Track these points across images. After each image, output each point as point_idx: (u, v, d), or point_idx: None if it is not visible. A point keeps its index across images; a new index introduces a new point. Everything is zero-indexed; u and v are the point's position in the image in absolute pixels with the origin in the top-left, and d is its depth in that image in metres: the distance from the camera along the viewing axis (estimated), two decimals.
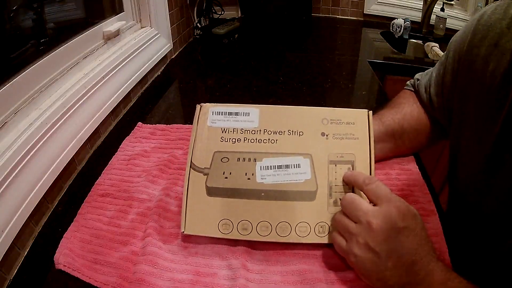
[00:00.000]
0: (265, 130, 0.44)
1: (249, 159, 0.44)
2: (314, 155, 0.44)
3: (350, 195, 0.40)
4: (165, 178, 0.57)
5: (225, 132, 0.45)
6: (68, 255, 0.44)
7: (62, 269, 0.43)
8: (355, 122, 0.44)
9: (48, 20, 0.67)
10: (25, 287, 0.44)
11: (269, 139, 0.44)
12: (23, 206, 0.46)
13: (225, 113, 0.45)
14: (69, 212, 0.51)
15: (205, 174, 0.44)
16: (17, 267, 0.45)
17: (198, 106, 0.47)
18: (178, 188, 0.55)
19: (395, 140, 0.57)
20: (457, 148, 0.50)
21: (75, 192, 0.57)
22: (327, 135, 0.44)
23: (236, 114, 0.45)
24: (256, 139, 0.44)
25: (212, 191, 0.44)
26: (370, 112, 0.45)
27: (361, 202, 0.39)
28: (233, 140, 0.44)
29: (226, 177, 0.43)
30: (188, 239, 0.46)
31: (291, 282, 0.41)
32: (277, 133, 0.44)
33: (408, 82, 0.63)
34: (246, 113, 0.45)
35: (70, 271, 0.43)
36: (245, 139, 0.44)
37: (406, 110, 0.58)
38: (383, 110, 0.59)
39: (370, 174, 0.44)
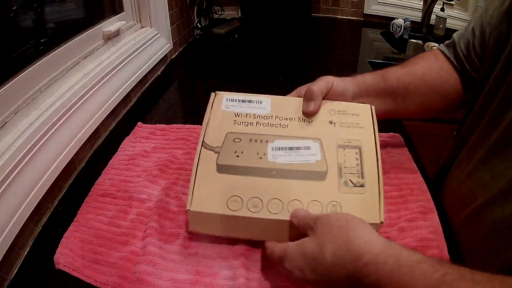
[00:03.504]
0: (276, 116, 0.47)
1: (261, 141, 0.45)
2: (323, 140, 0.45)
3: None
4: (165, 178, 0.57)
5: (238, 116, 0.47)
6: (68, 255, 0.44)
7: (62, 269, 0.43)
8: (359, 114, 0.48)
9: (48, 20, 0.67)
10: (25, 287, 0.44)
11: (280, 124, 0.47)
12: (23, 206, 0.46)
13: (239, 100, 0.49)
14: (69, 212, 0.51)
15: (216, 153, 0.44)
16: (17, 267, 0.45)
17: (212, 94, 0.49)
18: (178, 188, 0.55)
19: (396, 100, 0.53)
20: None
21: (75, 192, 0.57)
22: (334, 123, 0.47)
23: (250, 101, 0.48)
24: (268, 124, 0.47)
25: (222, 169, 0.43)
26: (373, 107, 0.48)
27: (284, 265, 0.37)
28: (246, 123, 0.46)
29: (237, 156, 0.44)
30: (188, 239, 0.46)
31: (291, 282, 0.41)
32: (288, 119, 0.47)
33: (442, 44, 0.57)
34: (259, 101, 0.49)
35: (70, 271, 0.43)
36: (257, 123, 0.46)
37: (418, 72, 0.53)
38: (392, 66, 0.55)
39: (377, 160, 0.44)
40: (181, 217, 0.49)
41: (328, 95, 0.48)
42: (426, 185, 0.55)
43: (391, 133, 0.68)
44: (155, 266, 0.42)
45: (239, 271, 0.41)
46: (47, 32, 0.66)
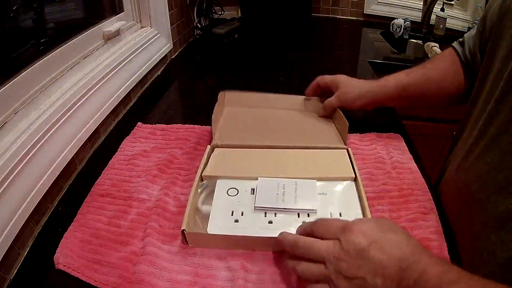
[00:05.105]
0: None
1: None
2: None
3: (302, 239, 0.38)
4: (165, 178, 0.57)
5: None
6: (68, 255, 0.44)
7: (62, 269, 0.43)
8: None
9: (48, 20, 0.67)
10: (25, 287, 0.44)
11: None
12: (23, 206, 0.46)
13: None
14: (69, 212, 0.51)
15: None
16: (17, 267, 0.45)
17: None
18: (177, 188, 0.55)
19: (407, 103, 0.64)
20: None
21: (75, 192, 0.57)
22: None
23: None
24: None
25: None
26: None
27: (317, 241, 0.37)
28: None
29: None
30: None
31: (290, 283, 0.41)
32: None
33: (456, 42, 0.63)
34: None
35: (70, 271, 0.43)
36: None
37: (433, 78, 0.60)
38: (415, 71, 0.62)
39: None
40: (180, 218, 0.49)
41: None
42: (426, 185, 0.55)
43: (391, 133, 0.68)
44: (155, 266, 0.42)
45: (238, 273, 0.41)
46: (47, 32, 0.66)
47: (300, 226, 0.41)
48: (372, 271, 0.33)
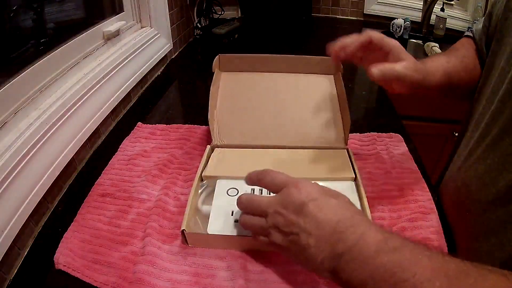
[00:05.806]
0: None
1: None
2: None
3: (245, 195, 0.40)
4: (165, 178, 0.57)
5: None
6: (68, 255, 0.44)
7: (62, 269, 0.43)
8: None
9: (48, 20, 0.67)
10: (25, 287, 0.44)
11: None
12: (23, 206, 0.46)
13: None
14: (69, 212, 0.51)
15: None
16: (17, 267, 0.45)
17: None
18: (177, 188, 0.55)
19: (445, 91, 0.53)
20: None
21: (75, 192, 0.57)
22: None
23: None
24: None
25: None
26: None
27: (260, 197, 0.39)
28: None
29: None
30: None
31: (291, 283, 0.41)
32: None
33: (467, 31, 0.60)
34: None
35: (70, 271, 0.43)
36: None
37: (469, 66, 0.53)
38: (453, 57, 0.53)
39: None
40: (180, 218, 0.49)
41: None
42: (426, 185, 0.55)
43: (391, 133, 0.68)
44: (154, 266, 0.42)
45: (238, 273, 0.41)
46: (47, 32, 0.66)
47: (249, 173, 0.42)
48: (307, 229, 0.33)
